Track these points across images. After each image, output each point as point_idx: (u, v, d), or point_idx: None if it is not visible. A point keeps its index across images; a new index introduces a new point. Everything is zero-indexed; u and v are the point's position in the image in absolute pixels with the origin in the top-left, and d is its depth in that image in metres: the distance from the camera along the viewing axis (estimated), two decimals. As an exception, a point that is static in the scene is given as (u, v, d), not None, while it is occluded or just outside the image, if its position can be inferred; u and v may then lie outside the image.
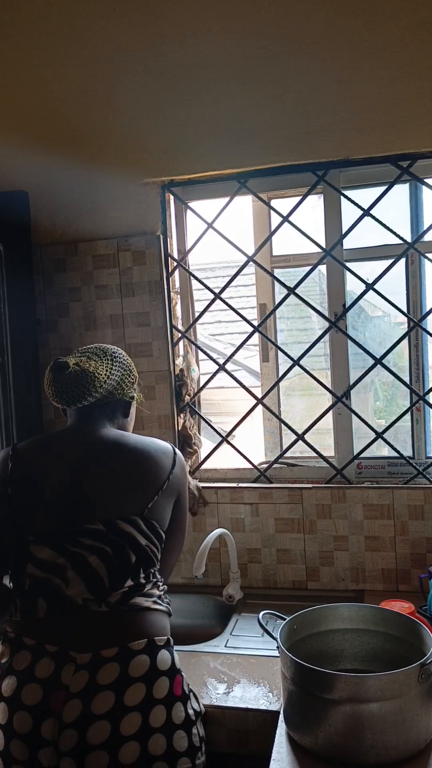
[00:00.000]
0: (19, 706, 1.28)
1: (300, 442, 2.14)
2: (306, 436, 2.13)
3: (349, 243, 2.13)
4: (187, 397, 2.21)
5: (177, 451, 1.53)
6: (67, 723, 1.25)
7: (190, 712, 1.34)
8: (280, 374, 2.22)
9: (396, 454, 2.07)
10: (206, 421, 2.27)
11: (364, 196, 2.09)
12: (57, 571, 1.35)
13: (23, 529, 1.40)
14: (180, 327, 2.23)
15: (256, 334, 2.20)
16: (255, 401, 2.18)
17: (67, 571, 1.35)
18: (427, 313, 2.05)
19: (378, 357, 2.05)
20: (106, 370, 1.47)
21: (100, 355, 1.50)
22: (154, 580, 1.42)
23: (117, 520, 1.38)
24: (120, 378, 1.50)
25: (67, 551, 1.36)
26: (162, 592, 1.44)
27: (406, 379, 2.12)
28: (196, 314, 2.30)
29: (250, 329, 2.17)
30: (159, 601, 1.40)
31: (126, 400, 1.56)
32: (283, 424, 2.21)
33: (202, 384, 2.27)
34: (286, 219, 2.10)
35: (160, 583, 1.45)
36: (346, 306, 2.11)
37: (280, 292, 2.24)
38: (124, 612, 1.34)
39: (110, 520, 1.37)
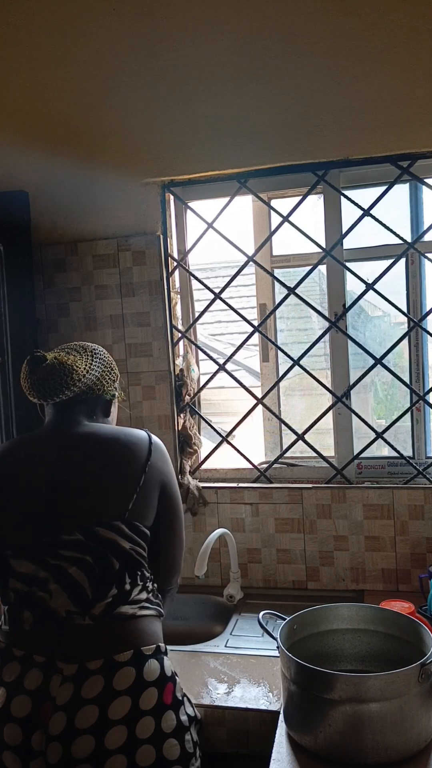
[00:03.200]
0: (9, 718, 1.26)
1: (300, 442, 2.14)
2: (306, 436, 2.13)
3: (349, 243, 2.13)
4: (187, 397, 2.21)
5: (153, 437, 1.44)
6: (53, 736, 1.23)
7: (183, 718, 1.31)
8: (280, 374, 2.22)
9: (396, 454, 2.07)
10: (206, 421, 2.27)
11: (364, 196, 2.09)
12: (39, 584, 1.32)
13: (1, 543, 1.36)
14: (180, 327, 2.23)
15: (256, 334, 2.20)
16: (255, 401, 2.18)
17: (49, 583, 1.31)
18: (427, 313, 2.05)
19: (378, 357, 2.05)
20: (86, 365, 1.40)
21: (80, 351, 1.45)
22: (142, 582, 1.37)
23: (96, 528, 1.31)
24: (100, 374, 1.44)
25: (47, 564, 1.32)
26: (151, 594, 1.38)
27: (406, 379, 2.11)
28: (196, 314, 2.30)
29: (250, 329, 2.17)
30: (147, 605, 1.35)
31: (106, 398, 1.50)
32: (283, 424, 2.21)
33: (202, 384, 2.27)
34: (286, 219, 2.10)
35: (149, 584, 1.40)
36: (346, 306, 2.11)
37: (280, 292, 2.24)
38: (110, 623, 1.30)
39: (89, 528, 1.31)
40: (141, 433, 1.43)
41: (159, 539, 1.43)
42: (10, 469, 1.41)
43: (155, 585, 1.43)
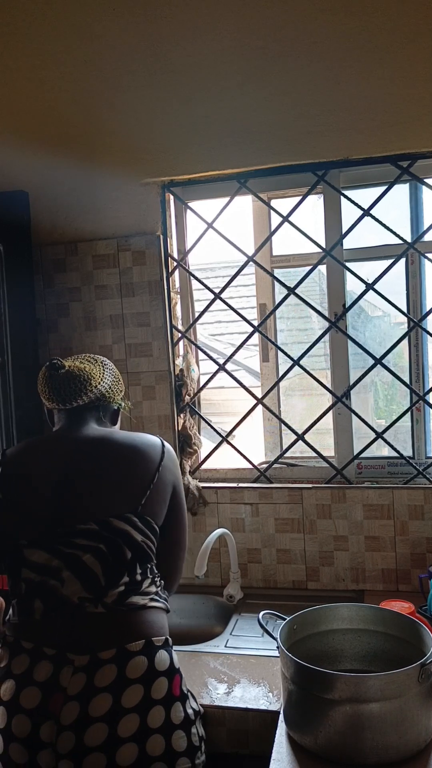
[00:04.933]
0: (18, 710, 1.29)
1: (300, 442, 2.14)
2: (306, 436, 2.13)
3: (349, 243, 2.13)
4: (187, 397, 2.21)
5: (165, 443, 1.53)
6: (65, 725, 1.25)
7: (189, 711, 1.34)
8: (280, 374, 2.22)
9: (396, 454, 2.07)
10: (206, 421, 2.27)
11: (364, 196, 2.09)
12: (52, 573, 1.35)
13: (15, 534, 1.40)
14: (180, 327, 2.23)
15: (256, 334, 2.20)
16: (255, 401, 2.18)
17: (62, 571, 1.35)
18: (427, 313, 2.05)
19: (378, 357, 2.05)
20: (100, 373, 1.50)
21: (92, 361, 1.54)
22: (151, 576, 1.42)
23: (110, 519, 1.37)
24: (111, 383, 1.53)
25: (60, 553, 1.36)
26: (159, 588, 1.43)
27: (406, 379, 2.12)
28: (196, 314, 2.30)
29: (250, 329, 2.17)
30: (156, 598, 1.40)
31: (114, 407, 1.58)
32: (283, 424, 2.21)
33: (202, 384, 2.27)
34: (286, 219, 2.10)
35: (158, 579, 1.44)
36: (346, 306, 2.11)
37: (280, 292, 2.24)
38: (121, 612, 1.33)
39: (102, 518, 1.37)
40: (155, 438, 1.52)
41: (162, 543, 1.48)
42: (27, 466, 1.47)
43: (162, 582, 1.46)
